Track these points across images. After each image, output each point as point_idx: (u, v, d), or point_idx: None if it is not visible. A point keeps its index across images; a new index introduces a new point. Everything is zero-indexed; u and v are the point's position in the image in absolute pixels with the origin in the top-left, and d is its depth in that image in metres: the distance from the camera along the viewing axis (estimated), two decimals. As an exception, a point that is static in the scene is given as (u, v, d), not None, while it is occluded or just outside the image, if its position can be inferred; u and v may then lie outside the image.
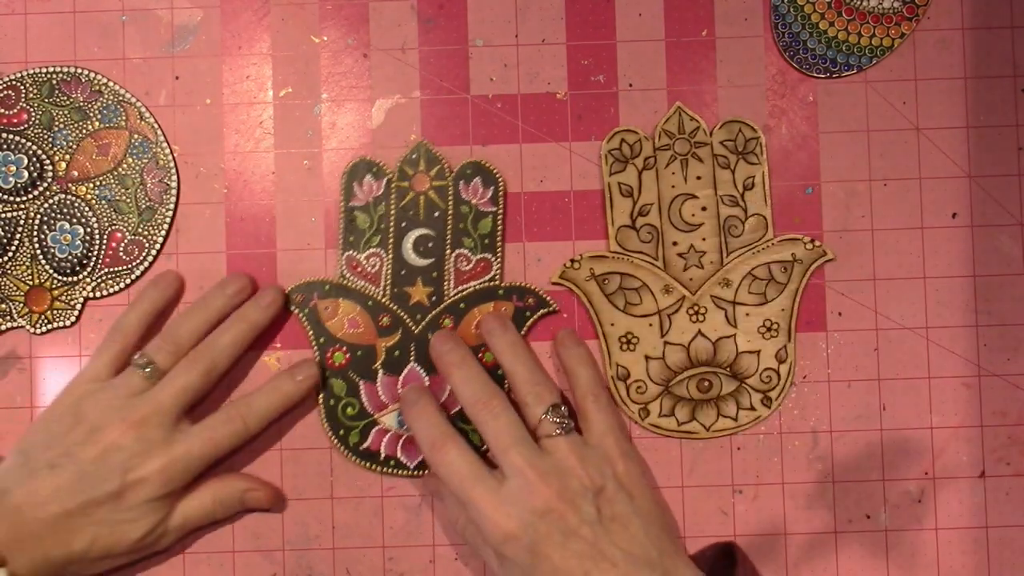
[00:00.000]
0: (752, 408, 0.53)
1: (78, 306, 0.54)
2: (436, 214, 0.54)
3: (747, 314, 0.53)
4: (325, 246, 0.54)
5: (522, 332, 0.53)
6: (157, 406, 0.49)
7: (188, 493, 0.51)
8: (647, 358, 0.54)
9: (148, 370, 0.50)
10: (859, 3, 0.54)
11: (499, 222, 0.54)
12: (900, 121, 0.55)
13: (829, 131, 0.55)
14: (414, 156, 0.54)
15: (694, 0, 0.55)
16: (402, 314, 0.53)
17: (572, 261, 0.54)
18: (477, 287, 0.54)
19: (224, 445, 0.50)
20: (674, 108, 0.54)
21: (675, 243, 0.54)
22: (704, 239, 0.54)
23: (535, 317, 0.54)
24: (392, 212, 0.54)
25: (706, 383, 0.53)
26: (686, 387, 0.53)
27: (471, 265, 0.54)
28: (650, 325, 0.54)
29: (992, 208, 0.54)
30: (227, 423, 0.50)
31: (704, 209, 0.54)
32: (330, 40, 0.55)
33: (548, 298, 0.54)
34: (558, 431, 0.48)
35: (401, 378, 0.53)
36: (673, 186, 0.54)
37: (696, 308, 0.54)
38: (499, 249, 0.54)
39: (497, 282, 0.54)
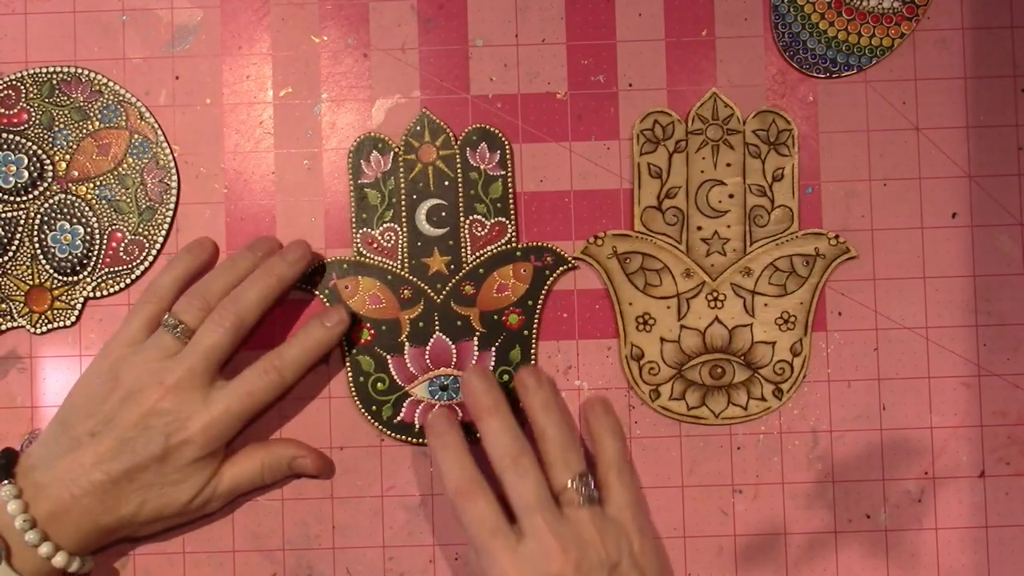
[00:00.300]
0: (763, 399, 0.53)
1: (78, 306, 0.54)
2: (446, 183, 0.54)
3: (765, 304, 0.54)
4: (326, 246, 0.54)
5: (543, 290, 0.54)
6: (190, 370, 0.49)
7: (237, 459, 0.51)
8: (662, 340, 0.54)
9: (178, 330, 0.50)
10: (859, 3, 0.54)
11: (510, 185, 0.54)
12: (900, 121, 0.55)
13: (829, 131, 0.55)
14: (418, 127, 0.54)
15: (694, 0, 0.55)
16: (423, 285, 0.54)
17: (595, 238, 0.54)
18: (494, 251, 0.54)
19: (262, 398, 0.50)
20: (709, 94, 0.54)
21: (700, 228, 0.54)
22: (729, 226, 0.54)
23: (555, 275, 0.54)
24: (402, 185, 0.54)
25: (719, 370, 0.53)
26: (699, 372, 0.54)
27: (486, 230, 0.54)
28: (668, 307, 0.54)
29: (992, 208, 0.54)
30: (263, 376, 0.50)
31: (731, 196, 0.54)
32: (330, 40, 0.55)
33: (566, 254, 0.54)
34: (582, 501, 0.48)
35: (428, 348, 0.53)
36: (702, 171, 0.54)
37: (715, 294, 0.54)
38: (512, 211, 0.54)
39: (514, 244, 0.54)
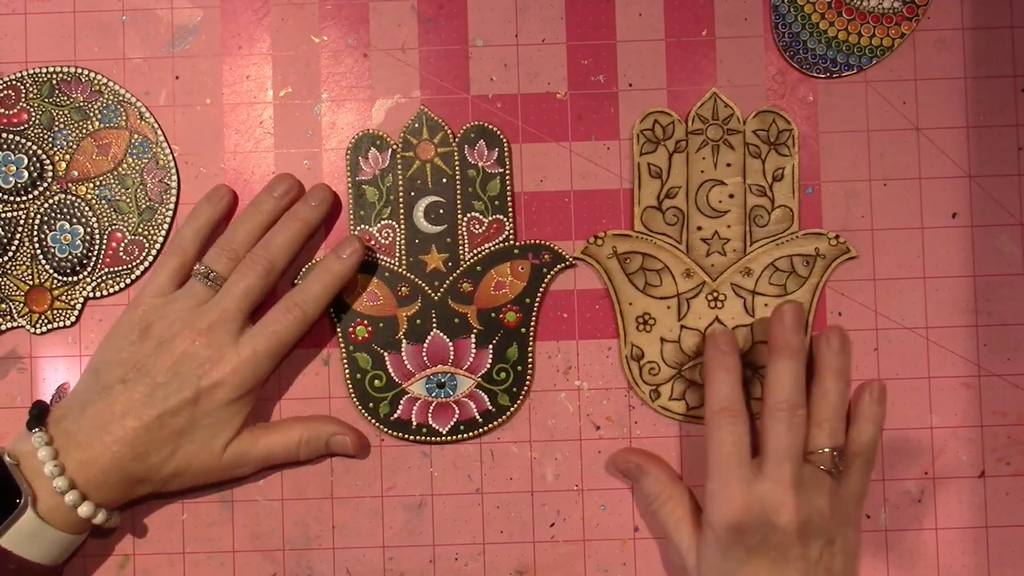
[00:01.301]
0: (762, 399, 0.53)
1: (78, 306, 0.54)
2: (444, 180, 0.54)
3: (765, 304, 0.54)
4: (326, 246, 0.54)
5: (541, 289, 0.54)
6: (223, 313, 0.50)
7: (274, 427, 0.52)
8: (662, 340, 0.54)
9: (209, 278, 0.50)
10: (859, 3, 0.54)
11: (508, 182, 0.54)
12: (900, 121, 0.55)
13: (829, 131, 0.55)
14: (416, 125, 0.54)
15: (694, 0, 0.55)
16: (420, 282, 0.54)
17: (596, 237, 0.54)
18: (492, 248, 0.54)
19: (287, 337, 0.50)
20: (709, 94, 0.54)
21: (700, 228, 0.54)
22: (729, 226, 0.54)
23: (553, 273, 0.54)
24: (400, 183, 0.54)
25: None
26: (699, 372, 0.53)
27: (484, 227, 0.54)
28: (668, 308, 0.54)
29: (992, 208, 0.54)
30: (286, 313, 0.50)
31: (731, 196, 0.54)
32: (330, 40, 0.55)
33: (564, 252, 0.54)
34: (833, 470, 0.49)
35: (425, 345, 0.54)
36: (702, 171, 0.54)
37: (715, 294, 0.54)
38: (510, 209, 0.54)
39: (512, 242, 0.54)
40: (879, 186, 0.54)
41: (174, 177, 0.54)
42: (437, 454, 0.54)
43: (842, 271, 0.54)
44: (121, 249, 0.54)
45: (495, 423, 0.53)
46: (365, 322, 0.54)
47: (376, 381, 0.54)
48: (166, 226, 0.54)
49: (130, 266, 0.54)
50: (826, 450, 0.49)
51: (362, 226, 0.54)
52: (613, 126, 0.54)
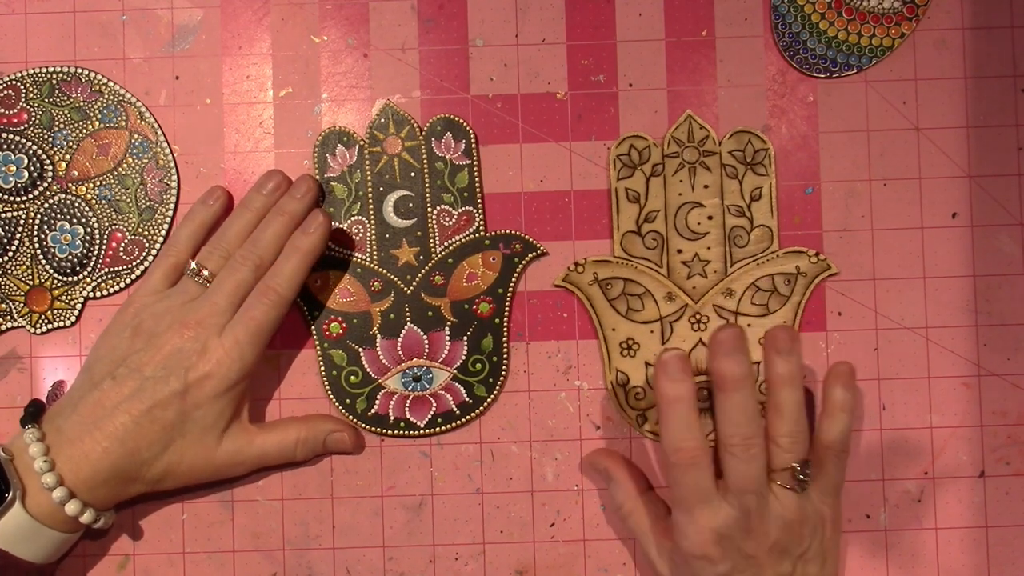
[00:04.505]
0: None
1: (78, 306, 0.54)
2: (412, 174, 0.54)
3: (749, 325, 0.53)
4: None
5: (513, 278, 0.54)
6: (212, 307, 0.50)
7: (270, 427, 0.52)
8: (647, 365, 0.54)
9: (201, 276, 0.51)
10: (859, 3, 0.54)
11: (476, 174, 0.54)
12: (900, 121, 0.55)
13: (829, 131, 0.55)
14: (382, 120, 0.54)
15: (694, 0, 0.55)
16: (392, 277, 0.54)
17: (576, 265, 0.54)
18: (463, 240, 0.54)
19: (265, 321, 0.50)
20: (684, 116, 0.54)
21: (680, 251, 0.54)
22: (709, 248, 0.54)
23: (525, 262, 0.54)
24: (368, 178, 0.54)
25: (704, 392, 0.53)
26: None
27: (454, 220, 0.54)
28: (651, 332, 0.54)
29: (992, 208, 0.54)
30: (261, 298, 0.50)
31: (710, 218, 0.54)
32: (330, 40, 0.55)
33: (535, 241, 0.54)
34: (796, 487, 0.48)
35: (400, 340, 0.54)
36: (680, 194, 0.54)
37: (698, 317, 0.53)
38: (479, 200, 0.54)
39: (482, 233, 0.54)
40: (879, 186, 0.54)
41: (174, 177, 0.54)
42: (437, 454, 0.54)
43: (842, 271, 0.54)
44: (121, 249, 0.54)
45: (473, 414, 0.54)
46: (339, 319, 0.54)
47: (352, 377, 0.54)
48: (166, 226, 0.54)
49: (130, 266, 0.54)
50: (791, 465, 0.48)
51: (332, 223, 0.54)
52: (613, 126, 0.54)
